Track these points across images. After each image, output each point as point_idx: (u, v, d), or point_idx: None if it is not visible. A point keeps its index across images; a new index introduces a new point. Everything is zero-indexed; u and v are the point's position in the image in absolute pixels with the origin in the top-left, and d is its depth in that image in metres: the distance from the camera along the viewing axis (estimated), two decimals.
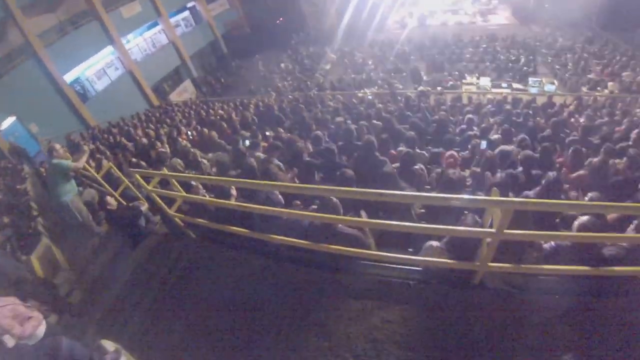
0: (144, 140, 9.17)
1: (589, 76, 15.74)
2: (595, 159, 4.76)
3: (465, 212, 3.18)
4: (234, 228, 3.52)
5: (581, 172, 4.69)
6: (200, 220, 3.76)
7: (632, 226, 3.22)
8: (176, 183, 3.82)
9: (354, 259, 3.42)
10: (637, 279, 2.95)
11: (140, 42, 21.07)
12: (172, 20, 22.58)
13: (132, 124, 13.64)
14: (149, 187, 3.60)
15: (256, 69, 22.53)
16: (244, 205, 3.39)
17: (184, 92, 21.86)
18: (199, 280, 3.69)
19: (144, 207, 4.76)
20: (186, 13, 24.50)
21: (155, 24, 21.71)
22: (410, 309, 3.03)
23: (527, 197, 3.94)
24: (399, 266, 3.34)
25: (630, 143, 5.79)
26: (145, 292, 3.75)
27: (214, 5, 25.83)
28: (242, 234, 3.50)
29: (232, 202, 3.80)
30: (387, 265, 3.37)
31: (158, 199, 3.72)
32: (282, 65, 21.52)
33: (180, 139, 8.17)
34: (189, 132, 9.20)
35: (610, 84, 14.82)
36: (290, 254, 3.62)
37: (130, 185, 5.21)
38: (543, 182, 3.99)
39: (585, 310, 2.84)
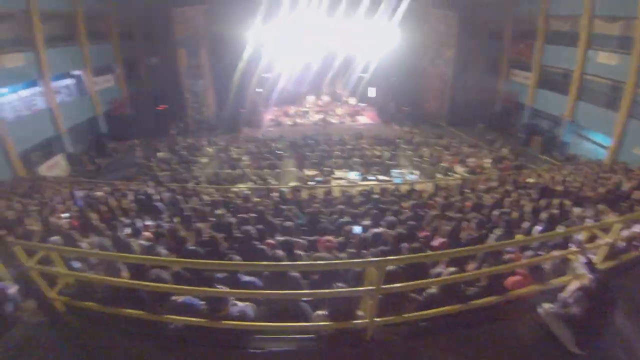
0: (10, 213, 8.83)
1: (442, 164, 19.28)
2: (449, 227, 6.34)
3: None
4: (127, 310, 3.49)
5: (440, 239, 6.02)
6: (88, 303, 3.54)
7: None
8: (61, 261, 3.68)
9: (249, 334, 3.79)
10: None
11: (14, 100, 18.40)
12: (54, 84, 20.60)
13: None
14: (31, 264, 3.35)
15: (133, 154, 21.95)
16: (142, 283, 3.46)
17: (54, 167, 19.67)
18: None
19: (12, 289, 4.04)
20: (70, 80, 22.81)
21: (34, 84, 19.34)
22: None
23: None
24: (293, 336, 3.79)
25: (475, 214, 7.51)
26: None
27: (100, 80, 24.84)
28: (137, 317, 3.50)
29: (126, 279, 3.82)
30: (282, 337, 3.79)
31: (39, 278, 3.48)
32: (160, 154, 21.56)
33: (55, 219, 7.98)
34: (66, 214, 8.87)
35: (459, 169, 18.37)
36: (188, 334, 3.73)
37: None
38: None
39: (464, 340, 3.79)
